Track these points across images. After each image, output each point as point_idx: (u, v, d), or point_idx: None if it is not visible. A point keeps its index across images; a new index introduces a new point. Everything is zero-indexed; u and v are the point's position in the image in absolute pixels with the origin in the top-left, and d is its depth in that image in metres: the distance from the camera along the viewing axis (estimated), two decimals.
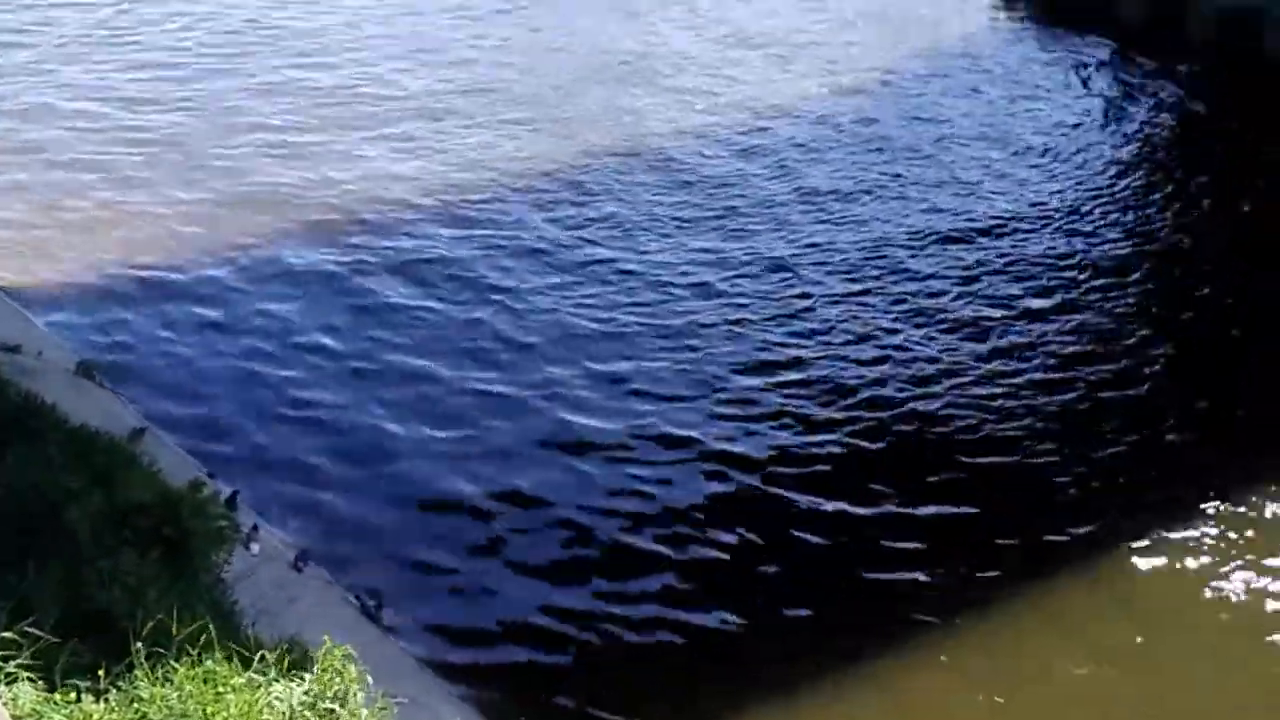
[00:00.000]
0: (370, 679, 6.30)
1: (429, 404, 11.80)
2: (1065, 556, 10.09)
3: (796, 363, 12.63)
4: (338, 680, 6.18)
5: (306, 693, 6.11)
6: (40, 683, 5.73)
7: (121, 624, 6.29)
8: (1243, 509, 10.49)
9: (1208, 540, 10.15)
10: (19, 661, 5.73)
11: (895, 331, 13.16)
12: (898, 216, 15.58)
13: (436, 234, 14.87)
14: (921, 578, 9.83)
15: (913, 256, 14.65)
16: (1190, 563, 9.97)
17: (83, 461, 8.08)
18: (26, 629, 5.88)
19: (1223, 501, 10.53)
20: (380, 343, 12.72)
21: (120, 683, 5.89)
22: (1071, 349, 13.02)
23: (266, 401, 11.75)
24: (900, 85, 19.92)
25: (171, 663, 6.01)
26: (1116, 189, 16.66)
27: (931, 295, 13.85)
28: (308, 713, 6.01)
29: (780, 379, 12.37)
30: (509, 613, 9.46)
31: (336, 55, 19.76)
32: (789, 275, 14.18)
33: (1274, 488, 10.71)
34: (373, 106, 18.06)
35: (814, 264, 14.44)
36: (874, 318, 13.42)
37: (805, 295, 13.79)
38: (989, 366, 12.60)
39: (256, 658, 6.21)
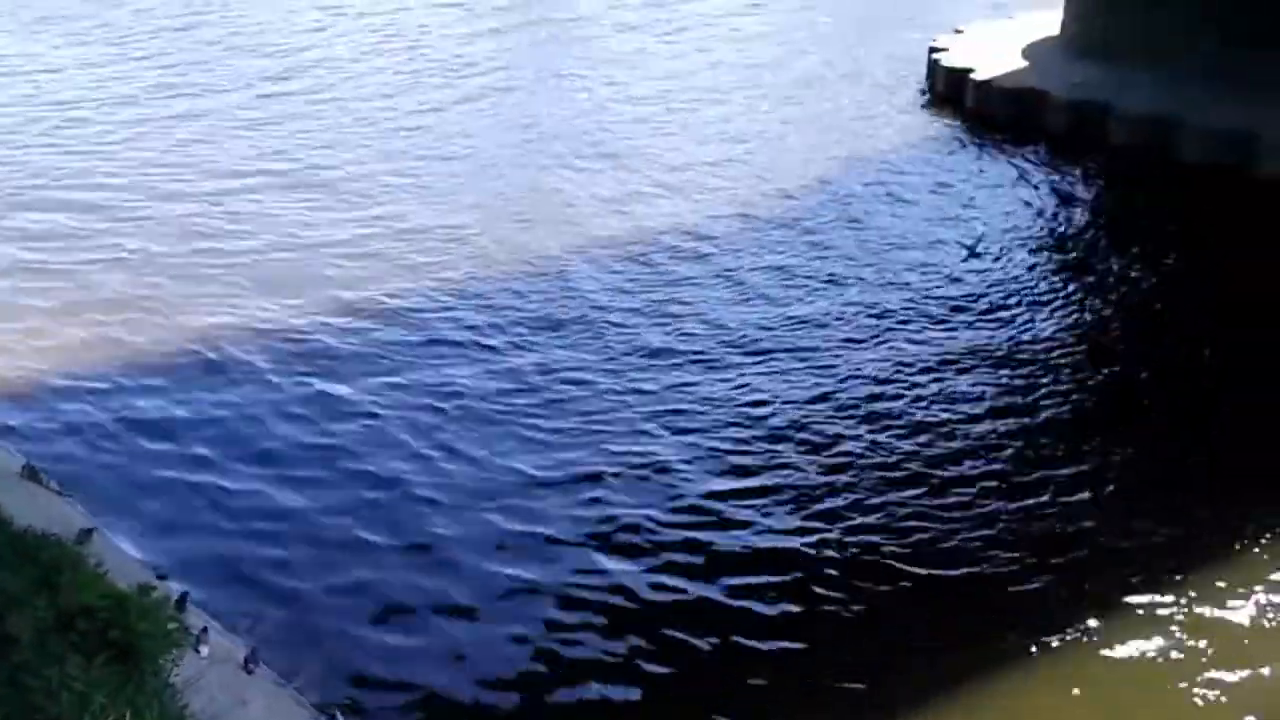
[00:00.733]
0: None
1: (377, 508, 11.71)
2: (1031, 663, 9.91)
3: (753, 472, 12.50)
4: None
5: None
6: None
7: None
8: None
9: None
10: None
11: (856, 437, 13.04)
12: (834, 314, 15.86)
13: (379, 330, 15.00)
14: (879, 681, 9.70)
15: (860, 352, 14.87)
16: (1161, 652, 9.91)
17: (28, 564, 7.94)
18: None
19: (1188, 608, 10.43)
20: (324, 445, 12.73)
21: None
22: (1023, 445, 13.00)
23: (212, 502, 11.63)
24: (834, 191, 20.42)
25: None
26: (1044, 284, 17.12)
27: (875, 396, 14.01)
28: None
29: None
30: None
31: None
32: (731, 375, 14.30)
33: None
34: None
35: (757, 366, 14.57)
36: (826, 422, 13.32)
37: (761, 402, 13.76)
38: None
39: None
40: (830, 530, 11.47)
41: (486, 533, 11.38)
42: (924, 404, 13.69)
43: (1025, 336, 15.44)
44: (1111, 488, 12.18)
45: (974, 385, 14.16)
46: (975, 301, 16.43)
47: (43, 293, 16.07)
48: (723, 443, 12.85)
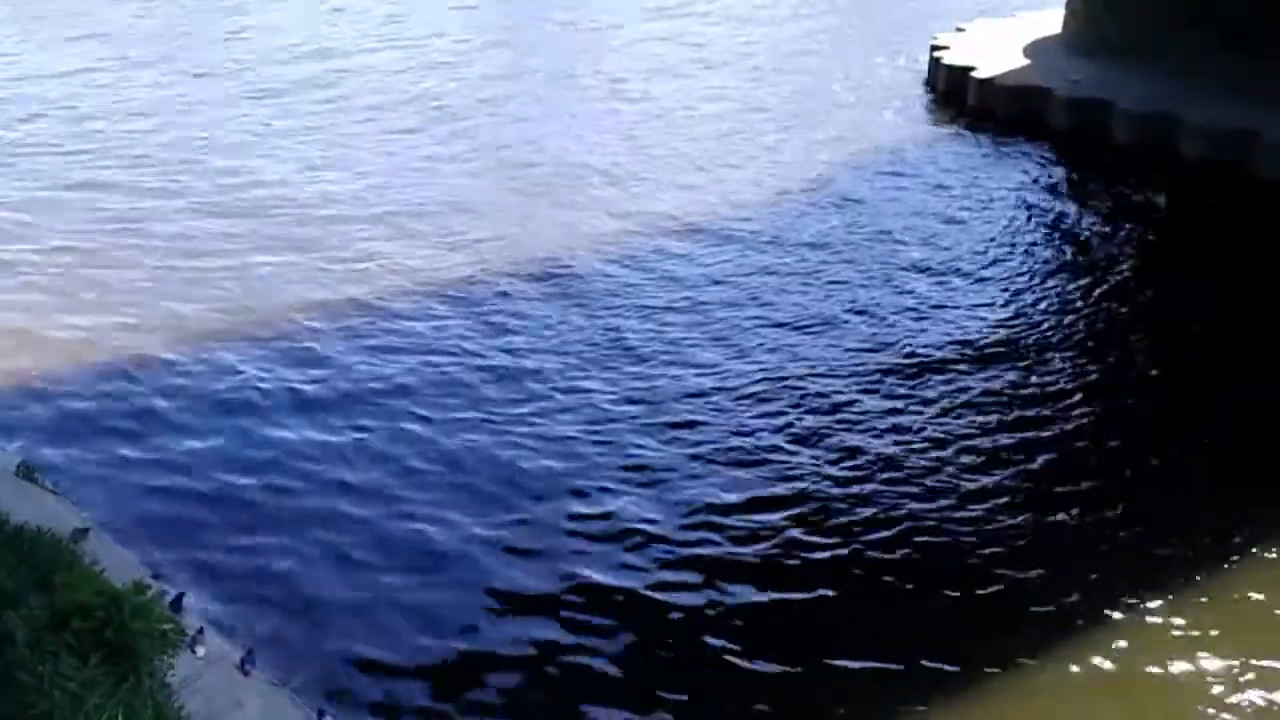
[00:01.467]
0: None
1: (376, 511, 11.64)
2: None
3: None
4: None
5: None
6: None
7: None
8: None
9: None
10: None
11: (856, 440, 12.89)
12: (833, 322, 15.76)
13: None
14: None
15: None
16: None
17: (23, 563, 7.91)
18: None
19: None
20: (324, 445, 12.69)
21: None
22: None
23: (209, 503, 11.60)
24: (835, 190, 20.38)
25: None
26: (1045, 282, 17.04)
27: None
28: None
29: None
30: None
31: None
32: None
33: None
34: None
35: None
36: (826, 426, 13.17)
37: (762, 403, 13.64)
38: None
39: None
40: (831, 534, 11.44)
41: (487, 537, 11.32)
42: (917, 406, 13.63)
43: (1025, 336, 15.39)
44: (1111, 488, 12.13)
45: (971, 385, 14.10)
46: (975, 301, 16.39)
47: (33, 290, 16.02)
48: (727, 450, 12.76)
